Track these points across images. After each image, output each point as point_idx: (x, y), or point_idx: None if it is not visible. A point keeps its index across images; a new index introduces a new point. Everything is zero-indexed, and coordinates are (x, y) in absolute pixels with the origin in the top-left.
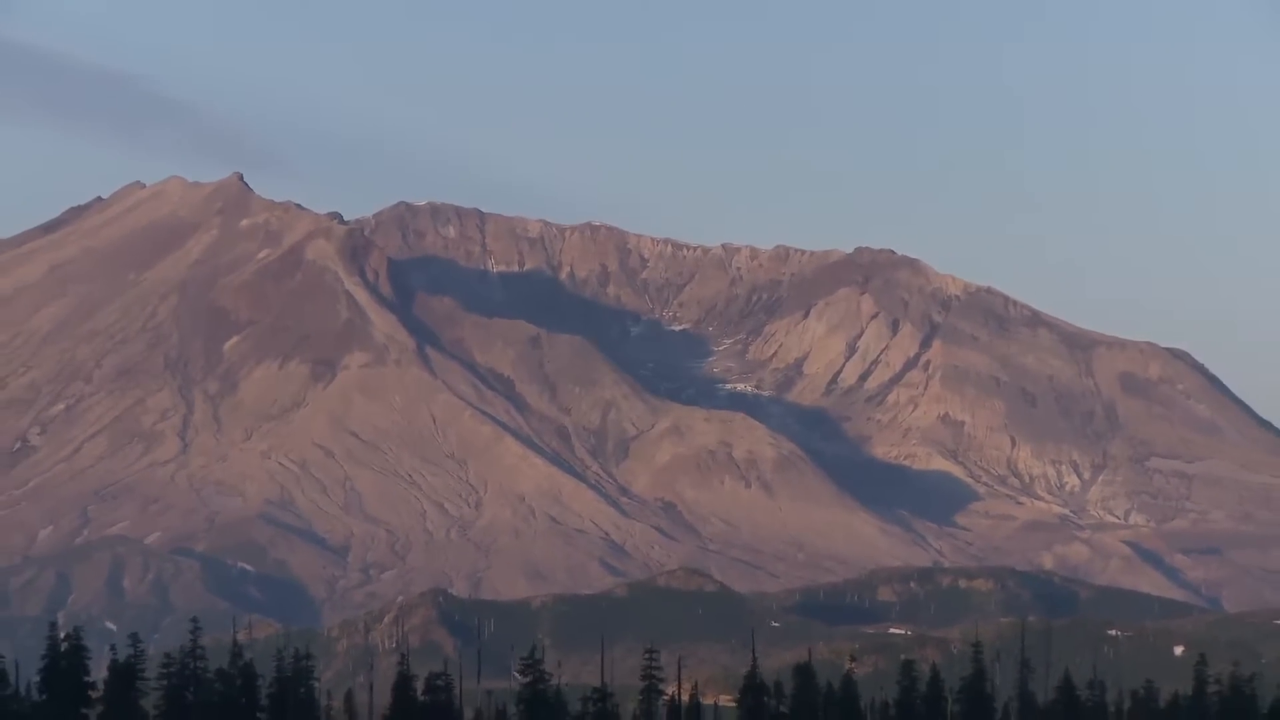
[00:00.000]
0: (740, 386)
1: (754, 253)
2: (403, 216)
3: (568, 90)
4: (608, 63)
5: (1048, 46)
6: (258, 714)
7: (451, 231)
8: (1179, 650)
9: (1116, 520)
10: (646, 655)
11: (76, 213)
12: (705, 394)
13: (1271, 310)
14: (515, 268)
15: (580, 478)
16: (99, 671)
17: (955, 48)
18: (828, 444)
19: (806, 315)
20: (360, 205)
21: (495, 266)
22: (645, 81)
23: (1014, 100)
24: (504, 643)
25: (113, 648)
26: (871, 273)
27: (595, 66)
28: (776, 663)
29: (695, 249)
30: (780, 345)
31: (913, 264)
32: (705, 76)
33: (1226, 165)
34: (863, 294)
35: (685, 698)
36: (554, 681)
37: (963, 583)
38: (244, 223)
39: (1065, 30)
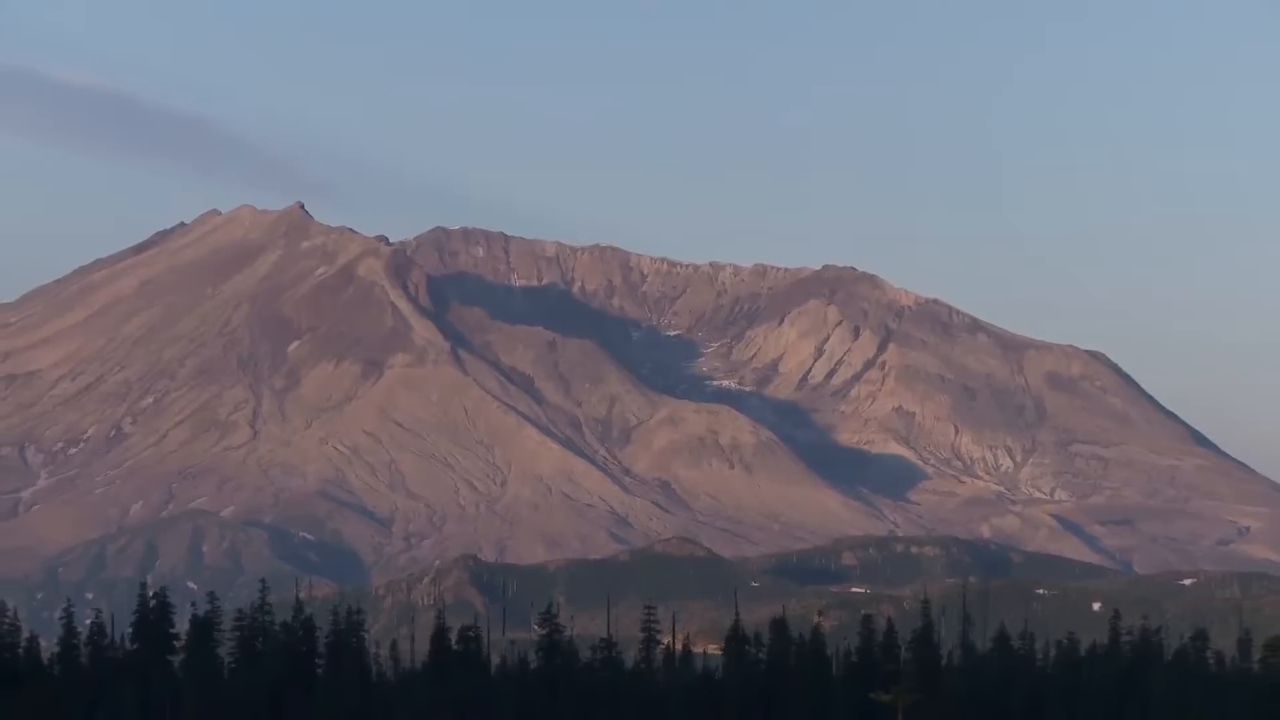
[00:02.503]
0: (725, 383)
1: (737, 269)
2: (439, 239)
3: (580, 131)
4: (614, 108)
5: (992, 93)
6: (316, 661)
7: (480, 252)
8: (1096, 606)
9: (1043, 496)
10: (646, 611)
11: (162, 236)
12: (695, 389)
13: (1176, 317)
14: (534, 282)
15: (590, 460)
16: (182, 624)
17: (917, 92)
18: (799, 432)
19: (781, 323)
20: (404, 229)
21: (517, 281)
22: (646, 123)
23: (962, 139)
24: (525, 600)
25: (193, 604)
26: (837, 286)
27: (603, 111)
28: (756, 617)
29: (687, 266)
30: (759, 348)
31: (872, 279)
32: (698, 119)
33: (1150, 188)
34: (829, 305)
35: (679, 647)
36: (567, 633)
37: (914, 549)
38: (304, 244)
39: (1016, 75)
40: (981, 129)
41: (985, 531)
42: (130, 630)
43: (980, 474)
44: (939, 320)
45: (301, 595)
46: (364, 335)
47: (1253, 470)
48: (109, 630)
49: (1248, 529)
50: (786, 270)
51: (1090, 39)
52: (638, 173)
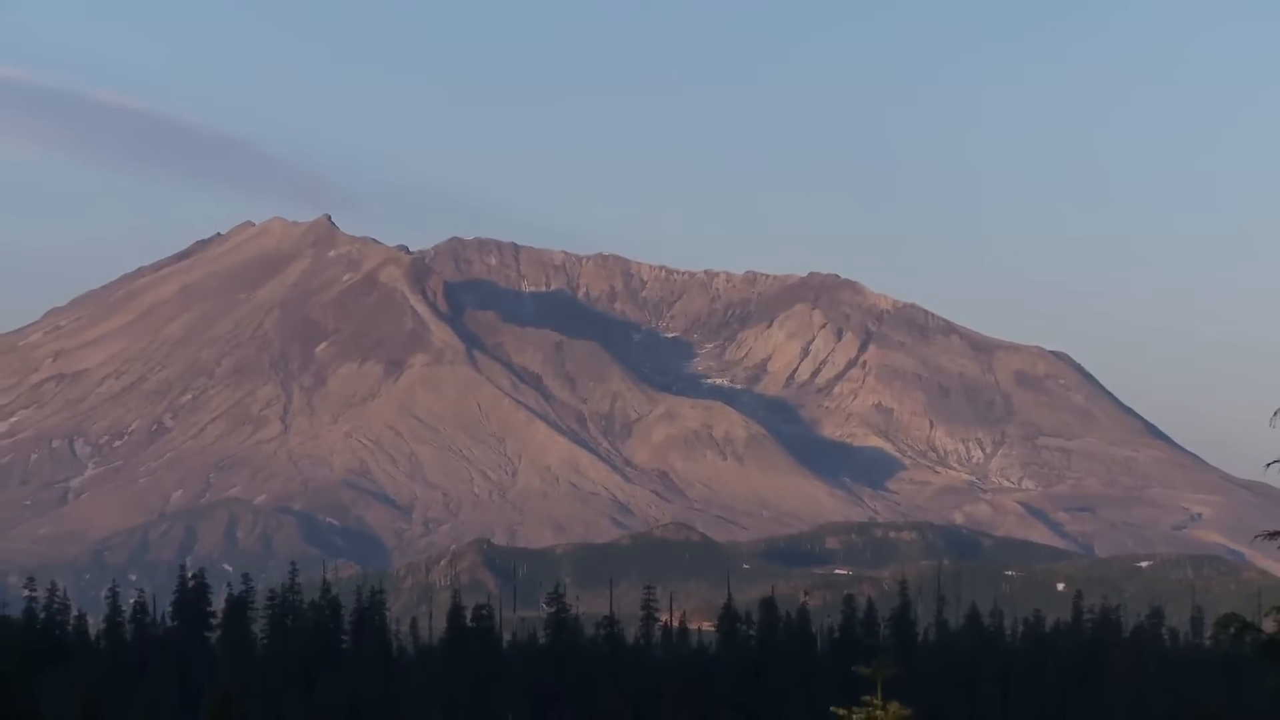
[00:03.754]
0: (718, 381)
1: (729, 276)
2: (455, 248)
3: (585, 148)
4: (617, 127)
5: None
6: (341, 637)
7: (493, 260)
8: (1060, 587)
9: (1011, 485)
10: (645, 591)
11: (201, 245)
12: (691, 387)
13: (1134, 320)
14: (543, 288)
15: (594, 452)
16: (218, 603)
17: (895, 116)
18: (787, 426)
19: (770, 325)
20: (422, 239)
21: (527, 287)
22: (646, 142)
23: (936, 159)
24: (534, 581)
25: (229, 585)
26: (821, 292)
27: (607, 130)
28: (746, 597)
29: (684, 273)
30: (750, 349)
31: (853, 285)
32: (693, 138)
33: (1110, 204)
34: (814, 309)
35: (675, 624)
36: (573, 612)
37: (892, 534)
38: (331, 253)
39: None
40: (954, 149)
41: (958, 518)
42: (171, 609)
43: (953, 465)
44: (915, 323)
45: (328, 576)
46: (386, 337)
47: (1204, 461)
48: (151, 609)
49: (1199, 515)
50: (775, 277)
51: (1057, 68)
52: (639, 187)
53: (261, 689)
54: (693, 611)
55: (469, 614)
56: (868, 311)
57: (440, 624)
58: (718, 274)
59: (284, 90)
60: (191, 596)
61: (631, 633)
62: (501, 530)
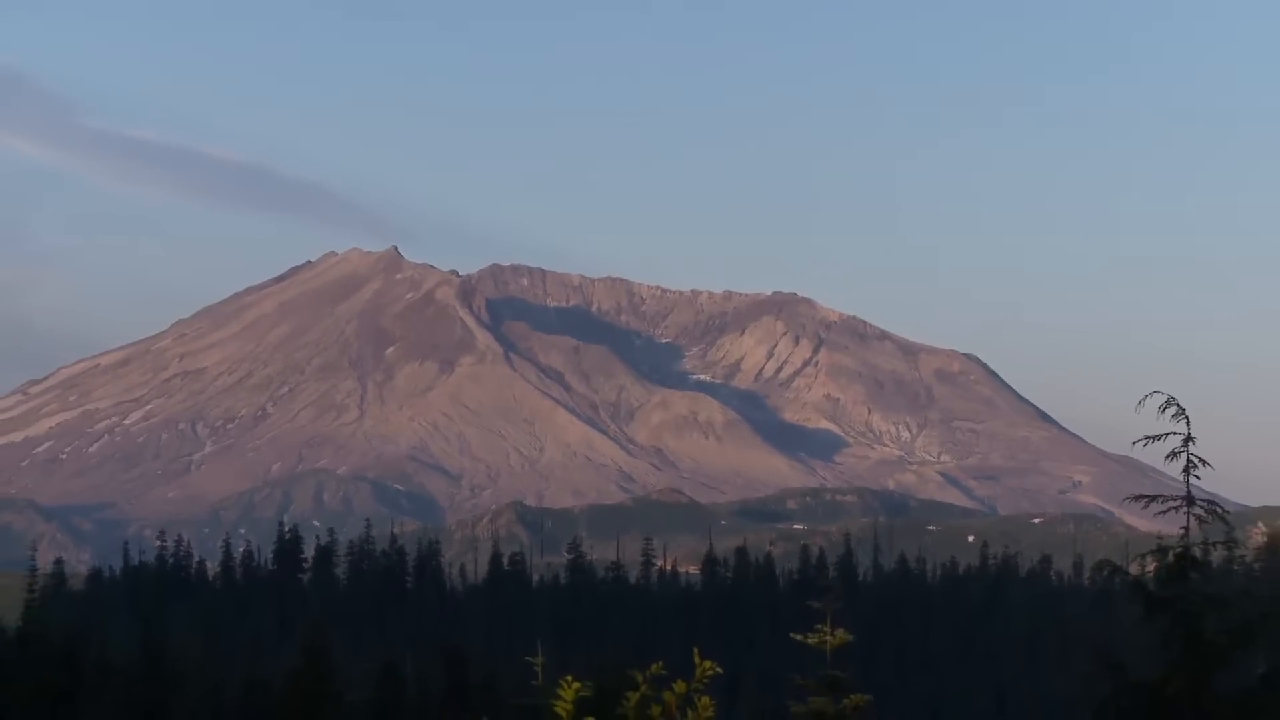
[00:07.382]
0: (703, 377)
1: (711, 294)
2: (495, 272)
3: (598, 193)
4: (624, 177)
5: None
6: (406, 579)
7: (525, 281)
8: (970, 539)
9: (932, 459)
10: (645, 542)
11: (294, 270)
12: (681, 382)
13: (1030, 328)
14: (564, 304)
15: (604, 433)
16: (309, 552)
17: (828, 161)
18: (756, 413)
19: (743, 333)
20: (470, 265)
21: (552, 303)
22: (646, 187)
23: (872, 196)
24: (558, 535)
25: (318, 538)
26: (783, 306)
27: (617, 180)
28: (724, 547)
29: (675, 291)
30: (727, 351)
31: (808, 301)
32: (685, 183)
33: (1012, 231)
34: (777, 320)
35: (668, 568)
36: (588, 559)
37: (838, 497)
38: (398, 276)
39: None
40: (889, 189)
41: (890, 484)
42: (272, 556)
43: (887, 443)
44: (857, 331)
45: (395, 531)
46: (440, 343)
47: (1084, 440)
48: (256, 556)
49: (1080, 483)
50: (746, 295)
51: (979, 103)
52: (641, 224)
53: (343, 620)
54: (682, 558)
55: (506, 560)
56: (819, 322)
57: (484, 568)
58: (701, 292)
59: (359, 145)
60: (288, 547)
61: (634, 575)
62: (532, 494)
